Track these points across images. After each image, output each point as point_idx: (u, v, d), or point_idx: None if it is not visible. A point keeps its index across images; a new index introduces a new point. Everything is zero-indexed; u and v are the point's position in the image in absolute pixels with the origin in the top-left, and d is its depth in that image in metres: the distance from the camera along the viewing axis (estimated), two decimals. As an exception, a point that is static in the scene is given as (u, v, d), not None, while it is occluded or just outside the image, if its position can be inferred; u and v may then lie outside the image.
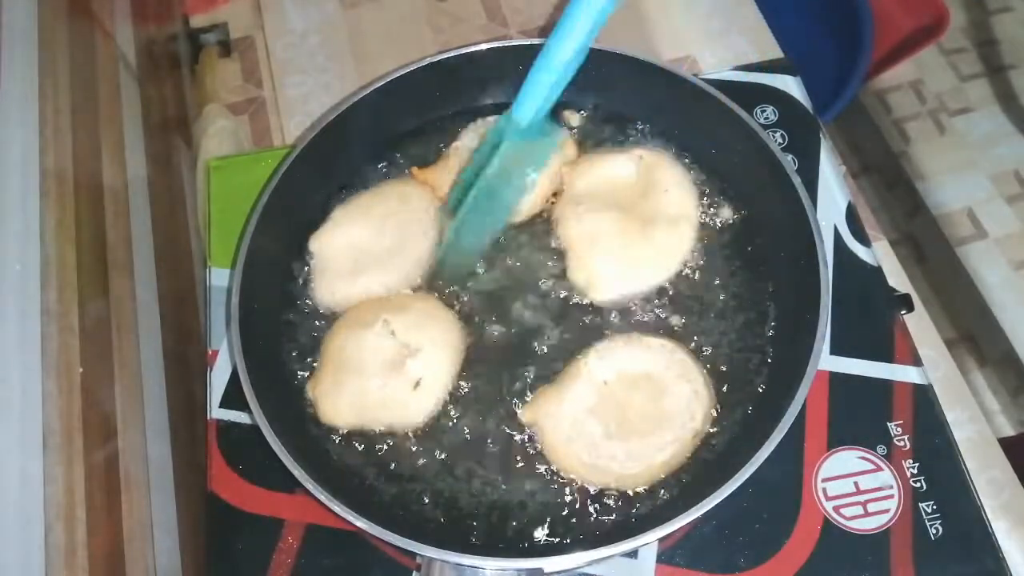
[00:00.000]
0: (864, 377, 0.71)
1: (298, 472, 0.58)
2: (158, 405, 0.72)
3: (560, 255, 0.72)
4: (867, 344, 0.72)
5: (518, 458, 0.65)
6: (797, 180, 0.68)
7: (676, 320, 0.69)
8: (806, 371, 0.60)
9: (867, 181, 1.84)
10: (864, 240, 0.77)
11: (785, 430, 0.58)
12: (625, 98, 0.78)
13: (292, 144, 0.87)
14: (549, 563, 0.57)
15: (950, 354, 0.78)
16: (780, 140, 0.82)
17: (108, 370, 0.64)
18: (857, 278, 0.75)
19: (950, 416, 0.70)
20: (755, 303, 0.70)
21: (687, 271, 0.71)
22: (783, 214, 0.68)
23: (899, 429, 0.68)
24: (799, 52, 0.94)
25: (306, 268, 0.73)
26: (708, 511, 0.56)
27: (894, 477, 0.67)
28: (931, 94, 1.91)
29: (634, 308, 0.70)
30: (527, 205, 0.74)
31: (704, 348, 0.68)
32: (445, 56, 0.77)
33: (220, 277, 0.77)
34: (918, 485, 0.66)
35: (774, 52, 0.96)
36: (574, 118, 0.80)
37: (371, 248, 0.72)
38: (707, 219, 0.73)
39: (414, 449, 0.66)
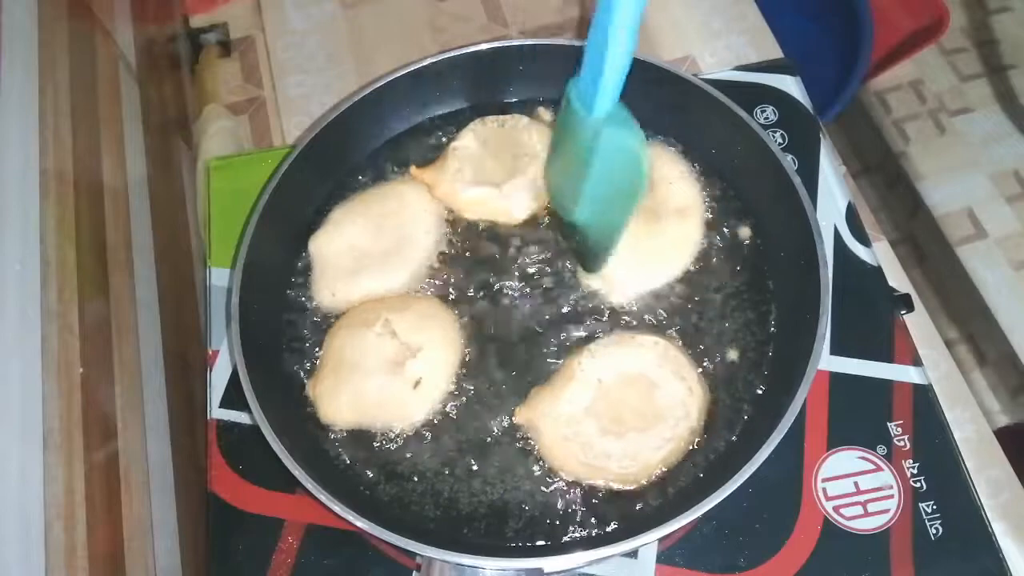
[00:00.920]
0: (864, 377, 0.71)
1: (298, 472, 0.58)
2: (158, 405, 0.72)
3: (557, 258, 0.72)
4: (867, 344, 0.72)
5: (518, 458, 0.65)
6: (797, 180, 0.68)
7: (675, 320, 0.69)
8: (806, 371, 0.60)
9: (867, 181, 1.84)
10: (864, 240, 0.77)
11: (785, 430, 0.58)
12: (625, 98, 0.78)
13: (292, 144, 0.87)
14: (549, 563, 0.57)
15: (950, 354, 0.78)
16: (780, 140, 0.82)
17: (108, 370, 0.64)
18: (857, 278, 0.75)
19: (950, 416, 0.70)
20: (755, 303, 0.70)
21: (686, 271, 0.71)
22: (783, 214, 0.68)
23: (899, 429, 0.68)
24: (799, 52, 0.94)
25: (306, 268, 0.73)
26: (708, 511, 0.56)
27: (894, 477, 0.67)
28: (931, 94, 1.91)
29: (635, 307, 0.70)
30: (524, 207, 0.74)
31: (704, 348, 0.68)
32: (445, 56, 0.77)
33: (220, 277, 0.77)
34: (918, 485, 0.66)
35: (774, 52, 0.96)
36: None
37: (370, 249, 0.72)
38: (707, 219, 0.73)
39: (414, 449, 0.66)
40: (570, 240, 0.71)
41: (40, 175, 0.59)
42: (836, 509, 0.66)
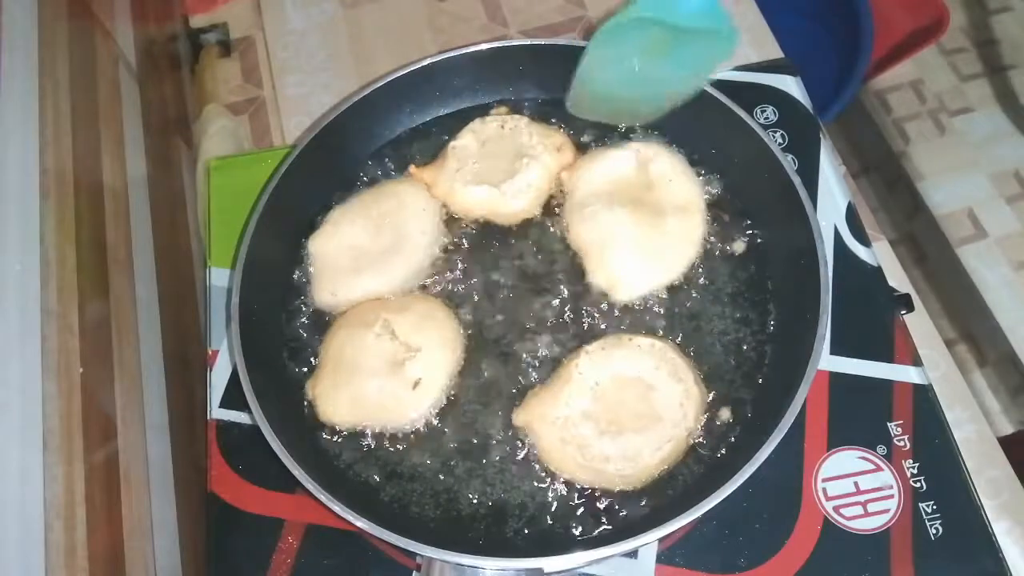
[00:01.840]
0: (864, 377, 0.71)
1: (298, 472, 0.58)
2: (158, 405, 0.72)
3: (556, 258, 0.72)
4: (867, 344, 0.72)
5: (518, 458, 0.65)
6: (797, 180, 0.68)
7: (675, 320, 0.69)
8: (806, 371, 0.60)
9: (867, 181, 1.84)
10: (864, 240, 0.77)
11: (785, 430, 0.58)
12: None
13: (292, 144, 0.87)
14: (549, 563, 0.57)
15: (950, 354, 0.78)
16: (780, 140, 0.82)
17: (108, 370, 0.64)
18: (857, 278, 0.75)
19: (950, 416, 0.70)
20: (755, 303, 0.70)
21: (685, 271, 0.71)
22: (783, 214, 0.68)
23: (899, 429, 0.68)
24: (799, 52, 0.94)
25: (307, 268, 0.73)
26: (708, 511, 0.56)
27: (894, 477, 0.67)
28: (931, 94, 1.91)
29: (637, 307, 0.70)
30: (521, 208, 0.74)
31: (704, 348, 0.68)
32: (445, 56, 0.77)
33: (220, 277, 0.77)
34: (918, 485, 0.66)
35: (774, 52, 0.96)
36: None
37: (370, 248, 0.72)
38: (707, 219, 0.73)
39: (414, 449, 0.66)
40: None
41: (40, 175, 0.59)
42: (836, 509, 0.66)
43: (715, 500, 0.56)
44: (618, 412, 0.64)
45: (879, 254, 0.77)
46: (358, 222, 0.73)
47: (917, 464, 0.67)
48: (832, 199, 0.79)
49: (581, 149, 0.77)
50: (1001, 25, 1.99)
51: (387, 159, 0.79)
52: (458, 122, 0.78)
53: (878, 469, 0.67)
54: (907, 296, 0.76)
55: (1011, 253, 1.72)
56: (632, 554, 0.65)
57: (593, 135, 0.78)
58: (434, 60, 0.77)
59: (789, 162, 0.69)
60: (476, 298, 0.71)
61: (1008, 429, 1.54)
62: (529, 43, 0.79)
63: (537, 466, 0.65)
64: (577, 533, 0.62)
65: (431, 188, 0.75)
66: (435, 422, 0.66)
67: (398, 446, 0.66)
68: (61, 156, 0.63)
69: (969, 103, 1.90)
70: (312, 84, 0.98)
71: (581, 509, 0.63)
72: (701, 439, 0.64)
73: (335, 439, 0.67)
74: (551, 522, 0.63)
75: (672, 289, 0.70)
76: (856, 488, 0.66)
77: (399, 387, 0.66)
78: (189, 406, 0.78)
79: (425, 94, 0.79)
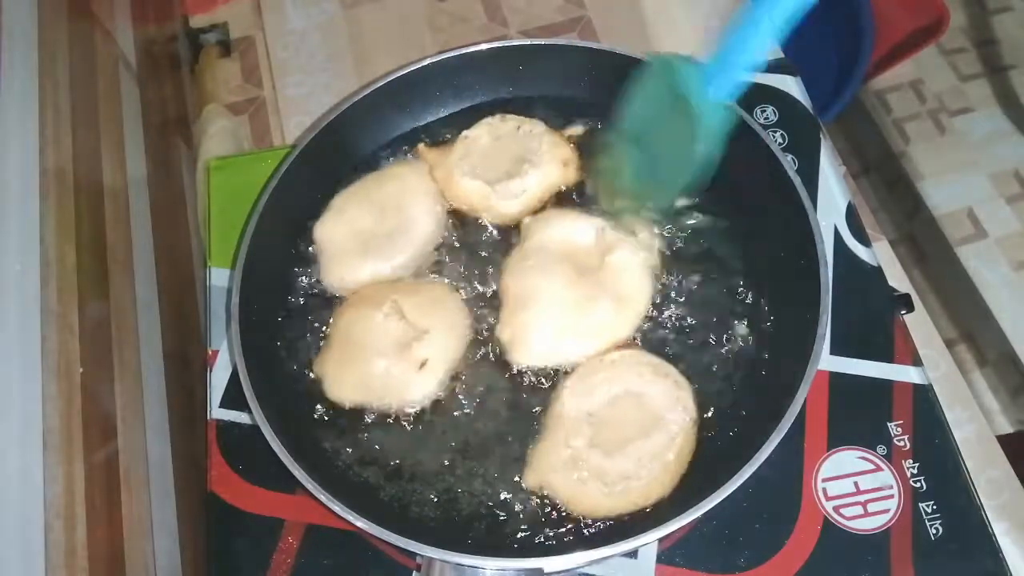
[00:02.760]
0: (864, 377, 0.71)
1: (298, 472, 0.58)
2: (158, 405, 0.72)
3: None
4: (867, 344, 0.72)
5: (518, 458, 0.65)
6: (797, 180, 0.68)
7: (675, 321, 0.69)
8: (806, 371, 0.60)
9: (867, 181, 1.84)
10: (864, 240, 0.77)
11: (785, 430, 0.58)
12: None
13: (292, 144, 0.87)
14: (549, 563, 0.57)
15: (950, 354, 0.78)
16: (780, 140, 0.82)
17: (108, 370, 0.64)
18: (857, 278, 0.75)
19: (950, 416, 0.70)
20: (755, 303, 0.70)
21: (686, 270, 0.71)
22: (783, 214, 0.68)
23: (899, 429, 0.68)
24: (799, 52, 0.94)
25: (307, 268, 0.73)
26: (708, 511, 0.56)
27: (894, 477, 0.67)
28: (931, 94, 1.91)
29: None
30: (509, 212, 0.73)
31: (703, 348, 0.68)
32: (445, 56, 0.77)
33: (220, 277, 0.77)
34: (918, 485, 0.66)
35: (774, 52, 0.96)
36: (576, 130, 0.78)
37: (375, 231, 0.73)
38: (707, 219, 0.73)
39: (415, 449, 0.66)
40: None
41: (40, 175, 0.59)
42: (836, 509, 0.66)
43: (715, 500, 0.56)
44: (620, 429, 0.63)
45: (879, 254, 0.77)
46: (361, 206, 0.74)
47: (917, 464, 0.67)
48: (832, 199, 0.79)
49: (583, 156, 0.76)
50: (1001, 25, 1.99)
51: (387, 159, 0.79)
52: (458, 122, 0.78)
53: (878, 469, 0.67)
54: (907, 296, 0.76)
55: (1011, 253, 1.72)
56: (632, 554, 0.65)
57: (597, 137, 0.77)
58: (434, 60, 0.77)
59: (789, 162, 0.69)
60: (477, 283, 0.72)
61: (1008, 429, 1.54)
62: (529, 43, 0.79)
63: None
64: (577, 533, 0.62)
65: (432, 170, 0.75)
66: (436, 420, 0.66)
67: (399, 445, 0.66)
68: (61, 156, 0.63)
69: (969, 103, 1.90)
70: (312, 84, 0.98)
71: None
72: (710, 428, 0.64)
73: (336, 439, 0.66)
74: (551, 522, 0.63)
75: (672, 288, 0.70)
76: (856, 488, 0.66)
77: (405, 367, 0.66)
78: (189, 406, 0.78)
79: (425, 94, 0.79)
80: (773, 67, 0.87)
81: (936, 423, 0.69)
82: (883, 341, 0.72)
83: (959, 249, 1.72)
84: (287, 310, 0.72)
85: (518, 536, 0.62)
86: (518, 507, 0.63)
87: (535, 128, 0.76)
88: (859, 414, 0.69)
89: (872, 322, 0.73)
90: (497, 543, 0.62)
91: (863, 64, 1.40)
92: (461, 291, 0.72)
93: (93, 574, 0.54)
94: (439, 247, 0.74)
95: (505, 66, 0.79)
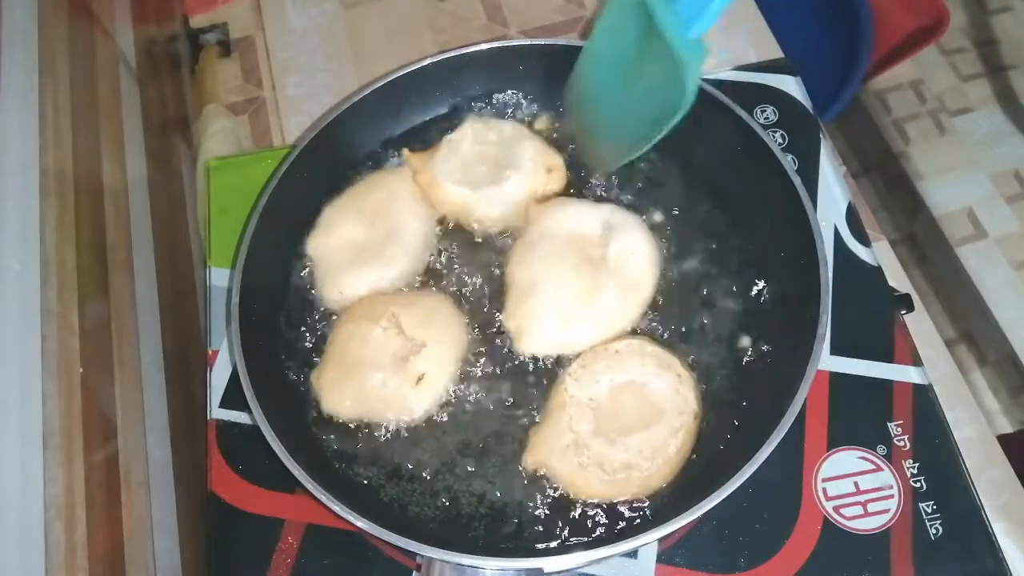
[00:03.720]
0: (864, 377, 0.71)
1: (298, 472, 0.58)
2: (158, 405, 0.72)
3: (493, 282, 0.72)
4: (867, 344, 0.72)
5: (518, 458, 0.65)
6: (797, 180, 0.68)
7: (674, 321, 0.69)
8: (806, 371, 0.60)
9: (867, 181, 1.84)
10: (864, 240, 0.77)
11: (785, 430, 0.58)
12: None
13: (292, 144, 0.87)
14: (549, 563, 0.57)
15: (950, 354, 0.78)
16: (780, 140, 0.82)
17: (108, 370, 0.64)
18: (857, 278, 0.75)
19: (950, 416, 0.70)
20: (755, 303, 0.70)
21: (686, 270, 0.71)
22: (783, 214, 0.68)
23: (899, 429, 0.68)
24: (799, 52, 0.94)
25: (306, 268, 0.73)
26: (708, 511, 0.56)
27: (894, 477, 0.67)
28: (931, 94, 1.91)
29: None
30: (491, 218, 0.73)
31: (703, 348, 0.68)
32: (445, 56, 0.77)
33: (220, 277, 0.77)
34: (918, 485, 0.66)
35: (774, 52, 0.96)
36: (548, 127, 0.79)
37: (368, 241, 0.72)
38: (707, 220, 0.73)
39: (415, 448, 0.66)
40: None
41: (40, 175, 0.59)
42: (836, 509, 0.66)
43: (715, 500, 0.56)
44: (622, 418, 0.64)
45: (879, 254, 0.77)
46: (351, 217, 0.73)
47: (917, 464, 0.67)
48: (832, 199, 0.79)
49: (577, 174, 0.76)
50: (1001, 25, 1.99)
51: (387, 159, 0.79)
52: (458, 122, 0.78)
53: (878, 469, 0.67)
54: (907, 296, 0.76)
55: (1011, 253, 1.72)
56: (632, 554, 0.65)
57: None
58: (434, 60, 0.77)
59: (789, 162, 0.69)
60: (476, 290, 0.72)
61: (1008, 429, 1.54)
62: (529, 43, 0.79)
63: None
64: (577, 533, 0.62)
65: (416, 174, 0.75)
66: (436, 419, 0.66)
67: (399, 445, 0.66)
68: (61, 156, 0.63)
69: (969, 103, 1.90)
70: (312, 84, 0.98)
71: (581, 509, 0.63)
72: (709, 422, 0.64)
73: (336, 439, 0.67)
74: (551, 521, 0.63)
75: (672, 288, 0.70)
76: (856, 488, 0.66)
77: (403, 382, 0.66)
78: (189, 406, 0.78)
79: (425, 94, 0.79)
80: (773, 67, 0.87)
81: (936, 423, 0.69)
82: (883, 341, 0.72)
83: (959, 249, 1.72)
84: (287, 310, 0.72)
85: (518, 536, 0.62)
86: (518, 507, 0.63)
87: (519, 132, 0.76)
88: (859, 414, 0.69)
89: (872, 322, 0.73)
90: (497, 543, 0.62)
91: (863, 64, 1.40)
92: (462, 300, 0.71)
93: (93, 574, 0.54)
94: (434, 253, 0.73)
95: (505, 66, 0.79)
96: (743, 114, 0.71)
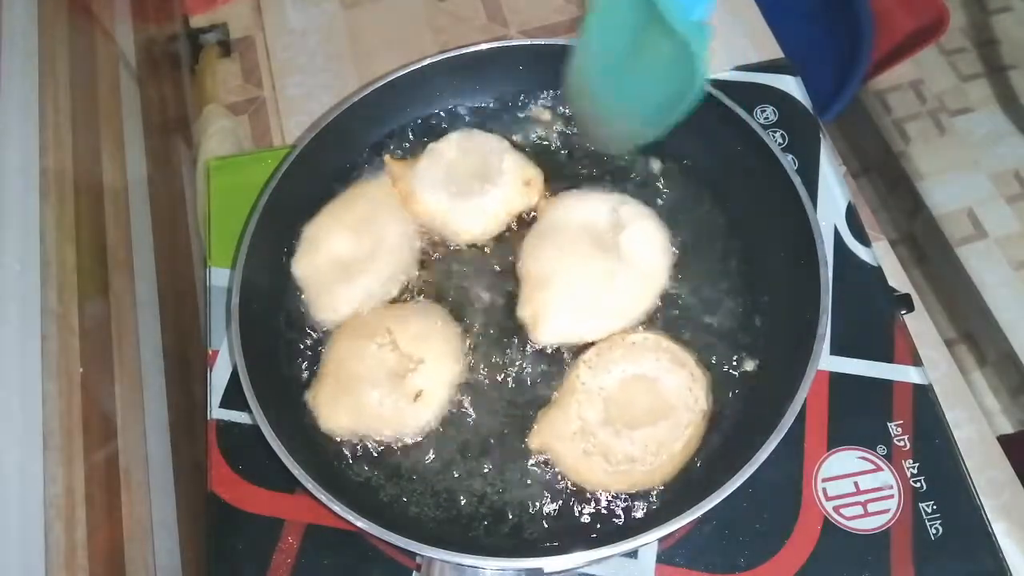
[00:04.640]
0: (864, 377, 0.71)
1: (298, 472, 0.58)
2: (158, 405, 0.72)
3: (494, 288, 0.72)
4: (867, 344, 0.72)
5: (518, 459, 0.65)
6: (797, 180, 0.68)
7: (673, 322, 0.69)
8: (806, 371, 0.60)
9: (867, 181, 1.84)
10: (864, 240, 0.77)
11: (785, 430, 0.58)
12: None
13: (292, 144, 0.87)
14: (549, 563, 0.57)
15: (950, 354, 0.78)
16: (780, 140, 0.82)
17: (108, 370, 0.64)
18: (857, 278, 0.75)
19: (950, 416, 0.70)
20: (755, 303, 0.70)
21: (686, 270, 0.71)
22: (783, 214, 0.68)
23: (899, 429, 0.68)
24: (799, 52, 0.94)
25: (298, 295, 0.72)
26: (708, 511, 0.56)
27: (894, 477, 0.67)
28: (931, 94, 1.91)
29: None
30: (467, 231, 0.72)
31: (703, 348, 0.68)
32: (445, 56, 0.77)
33: (220, 277, 0.77)
34: (918, 485, 0.66)
35: (774, 52, 0.96)
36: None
37: (355, 254, 0.72)
38: (707, 220, 0.73)
39: (415, 450, 0.66)
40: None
41: (40, 175, 0.59)
42: (836, 509, 0.66)
43: (715, 500, 0.56)
44: (631, 411, 0.64)
45: (879, 254, 0.77)
46: (334, 231, 0.72)
47: (917, 464, 0.67)
48: (832, 199, 0.79)
49: (572, 181, 0.75)
50: (1001, 25, 1.99)
51: (387, 159, 0.79)
52: (457, 123, 0.78)
53: (878, 469, 0.67)
54: (907, 296, 0.76)
55: (1011, 253, 1.72)
56: (632, 554, 0.65)
57: (592, 167, 0.77)
58: (434, 60, 0.77)
59: (789, 162, 0.69)
60: (460, 300, 0.71)
61: (1008, 429, 1.54)
62: (529, 43, 0.79)
63: (538, 466, 0.64)
64: (577, 533, 0.62)
65: (396, 181, 0.74)
66: (433, 434, 0.66)
67: (400, 448, 0.66)
68: (61, 156, 0.63)
69: (969, 103, 1.90)
70: (312, 84, 0.98)
71: (581, 509, 0.63)
72: (715, 421, 0.64)
73: (336, 439, 0.66)
74: (551, 522, 0.63)
75: (671, 289, 0.70)
76: (856, 488, 0.66)
77: (400, 399, 0.65)
78: (189, 406, 0.78)
79: (425, 94, 0.79)
80: (773, 67, 0.87)
81: (936, 423, 0.69)
82: (883, 341, 0.72)
83: (959, 249, 1.72)
84: (287, 310, 0.72)
85: (518, 536, 0.62)
86: (518, 507, 0.63)
87: (500, 144, 0.75)
88: (859, 414, 0.69)
89: (872, 322, 0.73)
90: (497, 543, 0.62)
91: (863, 64, 1.40)
92: (456, 306, 0.71)
93: (93, 574, 0.54)
94: (423, 263, 0.73)
95: (505, 66, 0.79)
96: (743, 114, 0.71)
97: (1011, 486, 0.72)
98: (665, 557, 0.65)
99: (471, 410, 0.67)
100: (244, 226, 0.70)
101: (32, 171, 0.59)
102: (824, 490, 0.67)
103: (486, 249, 0.73)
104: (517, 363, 0.68)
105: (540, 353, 0.69)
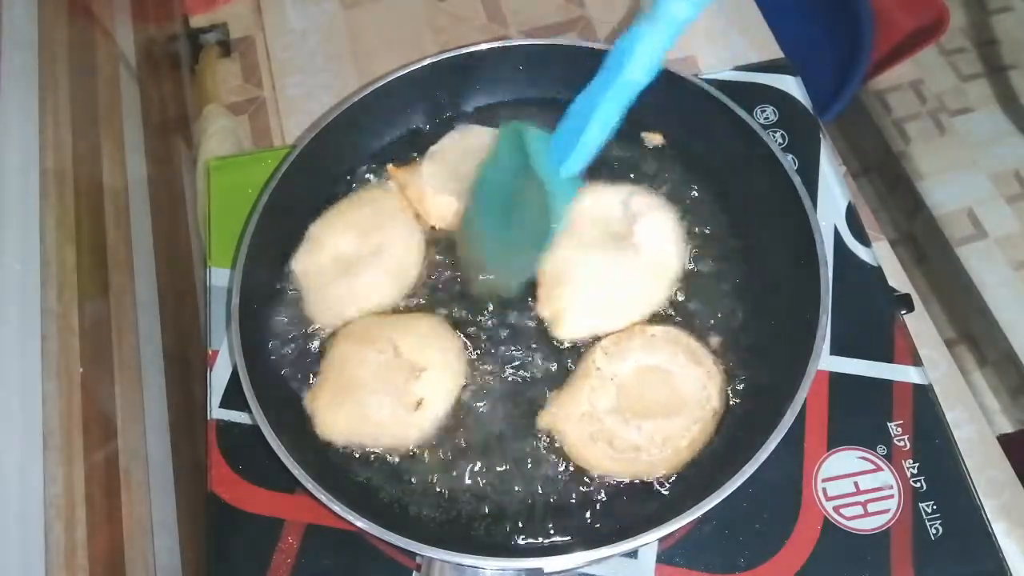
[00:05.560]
0: (864, 377, 0.71)
1: (298, 472, 0.58)
2: (158, 405, 0.72)
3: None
4: (867, 344, 0.72)
5: (518, 460, 0.65)
6: (797, 180, 0.68)
7: (674, 321, 0.69)
8: (806, 371, 0.60)
9: (867, 181, 1.84)
10: (864, 240, 0.77)
11: (785, 430, 0.58)
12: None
13: (292, 144, 0.87)
14: (549, 563, 0.57)
15: (950, 354, 0.78)
16: (780, 140, 0.82)
17: (108, 370, 0.64)
18: (857, 278, 0.75)
19: (950, 416, 0.70)
20: (754, 303, 0.70)
21: (681, 275, 0.71)
22: (783, 214, 0.68)
23: (899, 429, 0.68)
24: (799, 52, 0.94)
25: (295, 292, 0.72)
26: (708, 511, 0.56)
27: (894, 477, 0.67)
28: (931, 94, 1.91)
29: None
30: None
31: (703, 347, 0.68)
32: (445, 56, 0.77)
33: (220, 277, 0.77)
34: (918, 485, 0.66)
35: (774, 52, 0.96)
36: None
37: (357, 255, 0.71)
38: (707, 220, 0.73)
39: (415, 450, 0.66)
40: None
41: (40, 175, 0.59)
42: (836, 509, 0.66)
43: (715, 500, 0.56)
44: (642, 401, 0.64)
45: (879, 254, 0.77)
46: (338, 231, 0.72)
47: (917, 464, 0.67)
48: (832, 199, 0.79)
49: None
50: (1001, 25, 1.99)
51: (387, 159, 0.79)
52: (458, 123, 0.78)
53: (878, 469, 0.67)
54: (907, 296, 0.76)
55: (1011, 253, 1.72)
56: (632, 554, 0.65)
57: (610, 162, 0.77)
58: (434, 60, 0.77)
59: (789, 162, 0.69)
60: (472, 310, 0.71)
61: (1008, 429, 1.54)
62: (529, 43, 0.79)
63: (538, 467, 0.64)
64: (577, 533, 0.62)
65: (404, 189, 0.74)
66: (434, 442, 0.65)
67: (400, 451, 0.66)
68: (61, 156, 0.63)
69: (969, 103, 1.90)
70: (312, 84, 0.98)
71: (582, 509, 0.63)
72: (721, 421, 0.64)
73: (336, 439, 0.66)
74: (551, 522, 0.63)
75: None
76: (856, 488, 0.66)
77: (400, 407, 0.65)
78: (189, 406, 0.78)
79: (425, 94, 0.79)
80: (773, 67, 0.87)
81: (936, 423, 0.69)
82: (883, 341, 0.72)
83: (959, 249, 1.72)
84: (287, 310, 0.72)
85: (518, 536, 0.62)
86: (519, 507, 0.63)
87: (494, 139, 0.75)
88: (859, 414, 0.69)
89: (872, 322, 0.73)
90: (497, 543, 0.62)
91: (863, 64, 1.40)
92: (458, 310, 0.70)
93: (93, 574, 0.54)
94: (430, 270, 0.72)
95: (505, 66, 0.79)
96: (743, 114, 0.71)
97: (1011, 486, 0.72)
98: (665, 557, 0.65)
99: (472, 411, 0.67)
100: (244, 226, 0.70)
101: (32, 171, 0.59)
102: (824, 490, 0.67)
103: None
104: (519, 363, 0.68)
105: (544, 353, 0.69)
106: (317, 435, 0.66)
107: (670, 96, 0.74)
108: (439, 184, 0.73)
